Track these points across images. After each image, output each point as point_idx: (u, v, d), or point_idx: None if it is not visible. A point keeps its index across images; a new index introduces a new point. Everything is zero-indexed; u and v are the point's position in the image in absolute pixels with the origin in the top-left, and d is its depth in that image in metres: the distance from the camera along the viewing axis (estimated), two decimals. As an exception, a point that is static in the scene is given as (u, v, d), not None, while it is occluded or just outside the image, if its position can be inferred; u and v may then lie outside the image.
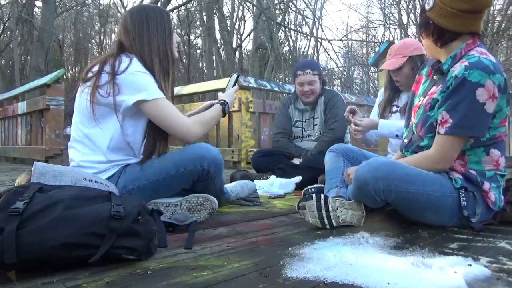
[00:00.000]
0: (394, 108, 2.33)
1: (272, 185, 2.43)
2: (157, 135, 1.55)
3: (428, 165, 1.41)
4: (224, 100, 1.75)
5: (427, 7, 1.43)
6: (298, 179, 2.47)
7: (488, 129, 1.38)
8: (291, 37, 16.83)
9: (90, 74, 1.48)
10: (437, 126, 1.40)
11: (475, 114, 1.32)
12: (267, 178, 2.57)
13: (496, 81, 1.31)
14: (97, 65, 1.49)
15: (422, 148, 1.48)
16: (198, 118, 1.64)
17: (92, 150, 1.48)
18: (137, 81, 1.45)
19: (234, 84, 1.86)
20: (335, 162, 1.75)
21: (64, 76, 10.26)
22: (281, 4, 14.06)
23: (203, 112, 1.71)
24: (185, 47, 17.18)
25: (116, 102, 1.44)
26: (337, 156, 1.78)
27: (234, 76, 1.91)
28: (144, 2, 12.05)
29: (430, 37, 1.45)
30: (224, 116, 1.75)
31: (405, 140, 1.60)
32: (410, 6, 12.66)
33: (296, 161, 2.75)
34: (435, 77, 1.48)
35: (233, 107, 1.84)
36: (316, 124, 2.84)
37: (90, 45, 19.52)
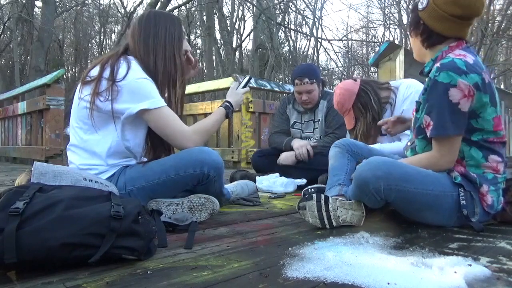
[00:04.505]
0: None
1: (275, 183, 2.43)
2: (162, 140, 1.55)
3: (432, 166, 1.41)
4: (228, 103, 1.74)
5: (420, 6, 1.44)
6: (302, 181, 2.47)
7: (480, 131, 1.38)
8: (291, 37, 16.84)
9: (88, 79, 1.46)
10: (426, 130, 1.41)
11: (450, 114, 1.33)
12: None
13: (470, 80, 1.31)
14: (97, 67, 1.47)
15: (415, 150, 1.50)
16: (198, 127, 1.63)
17: (91, 155, 1.47)
18: (140, 88, 1.44)
19: (245, 85, 1.85)
20: (340, 159, 1.71)
21: (64, 76, 10.29)
22: (281, 4, 14.05)
23: (205, 119, 1.70)
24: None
25: (119, 109, 1.43)
26: (341, 152, 1.73)
27: (247, 77, 1.90)
28: (144, 2, 12.05)
29: (419, 36, 1.47)
30: (227, 118, 1.74)
31: (408, 143, 1.61)
32: (410, 6, 12.65)
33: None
34: (426, 80, 1.49)
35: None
36: (317, 128, 2.81)
37: (90, 45, 19.51)
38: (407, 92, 2.07)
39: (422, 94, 1.43)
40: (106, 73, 1.43)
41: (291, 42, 17.01)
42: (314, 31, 15.94)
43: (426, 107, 1.38)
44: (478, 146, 1.40)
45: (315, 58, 16.63)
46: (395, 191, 1.34)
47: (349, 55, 17.38)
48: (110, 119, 1.45)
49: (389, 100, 2.11)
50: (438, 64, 1.35)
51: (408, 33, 1.56)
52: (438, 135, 1.36)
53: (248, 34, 17.16)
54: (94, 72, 1.46)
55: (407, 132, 2.01)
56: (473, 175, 1.40)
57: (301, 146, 2.67)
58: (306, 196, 1.45)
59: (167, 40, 1.55)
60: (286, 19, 16.46)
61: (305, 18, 15.96)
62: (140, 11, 12.69)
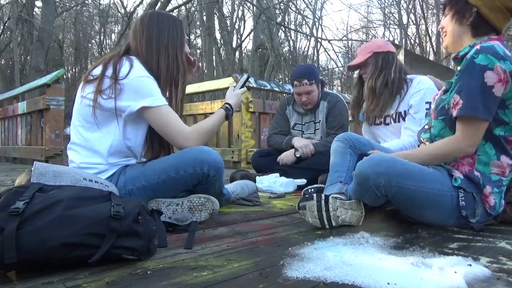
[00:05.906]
0: (388, 120, 2.16)
1: (275, 183, 2.43)
2: (161, 139, 1.55)
3: (454, 149, 1.39)
4: (229, 105, 1.75)
5: None
6: (302, 181, 2.47)
7: (505, 125, 1.37)
8: (291, 37, 16.85)
9: (91, 77, 1.47)
10: (451, 110, 1.39)
11: (482, 96, 1.31)
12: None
13: (508, 67, 1.31)
14: (100, 66, 1.48)
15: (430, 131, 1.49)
16: (199, 127, 1.63)
17: (92, 153, 1.47)
18: (142, 87, 1.45)
19: (243, 85, 1.84)
20: (342, 154, 1.68)
21: (64, 76, 10.28)
22: (281, 4, 14.05)
23: (205, 120, 1.70)
24: (185, 47, 17.15)
25: (120, 107, 1.43)
26: (344, 148, 1.69)
27: (245, 76, 1.87)
28: (144, 2, 12.04)
29: (465, 25, 1.44)
30: (227, 120, 1.75)
31: (426, 126, 1.60)
32: (410, 6, 12.67)
33: (297, 154, 2.71)
34: (458, 68, 1.48)
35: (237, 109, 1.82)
36: (318, 129, 2.81)
37: (90, 45, 19.54)
38: (419, 87, 2.07)
39: (455, 75, 1.42)
40: (109, 71, 1.44)
41: (291, 42, 17.04)
42: (314, 31, 15.96)
43: (458, 85, 1.36)
44: (494, 143, 1.39)
45: (315, 58, 16.64)
46: (396, 188, 1.34)
47: (349, 55, 17.38)
48: (112, 117, 1.46)
49: (401, 90, 2.12)
50: (478, 47, 1.34)
51: (450, 17, 1.47)
52: (466, 114, 1.34)
53: (248, 34, 17.17)
54: (96, 71, 1.47)
55: (414, 128, 2.01)
56: (476, 175, 1.39)
57: (304, 145, 2.68)
58: (306, 196, 1.45)
59: (170, 40, 1.56)
60: (286, 19, 16.49)
61: (305, 18, 15.98)
62: (140, 11, 12.71)
